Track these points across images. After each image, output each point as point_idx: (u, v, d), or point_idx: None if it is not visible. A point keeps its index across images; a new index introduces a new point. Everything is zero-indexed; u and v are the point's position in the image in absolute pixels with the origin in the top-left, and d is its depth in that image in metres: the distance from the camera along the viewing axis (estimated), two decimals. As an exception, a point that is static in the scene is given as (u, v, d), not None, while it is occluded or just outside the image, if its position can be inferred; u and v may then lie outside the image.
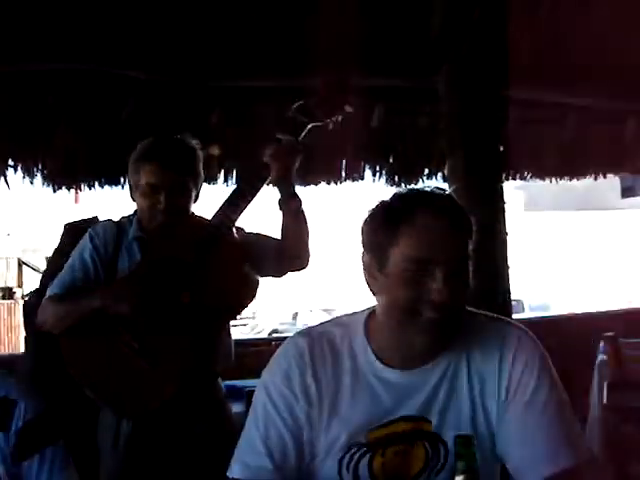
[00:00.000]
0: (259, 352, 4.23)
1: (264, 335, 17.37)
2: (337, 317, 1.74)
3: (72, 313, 2.42)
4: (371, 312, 1.66)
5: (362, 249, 1.61)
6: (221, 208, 2.41)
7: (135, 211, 2.59)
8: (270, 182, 2.44)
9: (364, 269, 1.61)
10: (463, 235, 1.53)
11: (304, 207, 2.50)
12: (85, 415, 2.46)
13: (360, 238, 1.61)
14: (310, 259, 2.55)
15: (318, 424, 1.59)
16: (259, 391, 1.66)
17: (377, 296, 1.61)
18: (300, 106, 2.41)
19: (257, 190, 2.41)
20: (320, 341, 1.64)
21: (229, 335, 2.58)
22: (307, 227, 2.52)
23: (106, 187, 4.44)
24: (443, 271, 1.48)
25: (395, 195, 1.59)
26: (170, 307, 2.37)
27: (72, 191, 4.46)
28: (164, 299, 2.37)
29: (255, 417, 1.63)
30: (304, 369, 1.61)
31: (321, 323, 1.74)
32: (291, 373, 1.61)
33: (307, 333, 1.69)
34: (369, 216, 1.59)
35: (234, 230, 2.48)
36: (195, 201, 2.58)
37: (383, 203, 1.58)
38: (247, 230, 2.58)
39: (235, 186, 2.49)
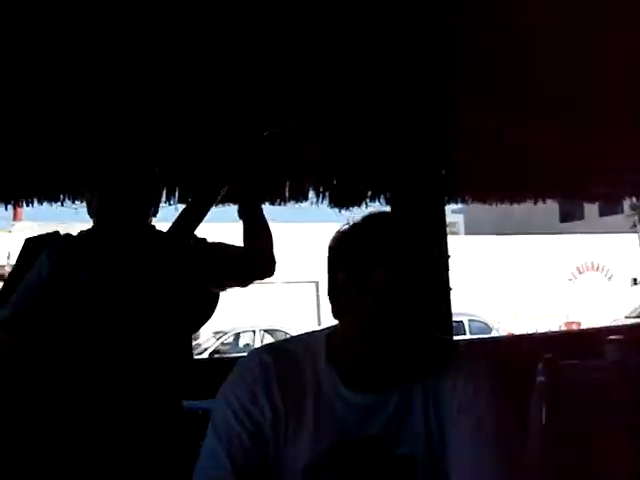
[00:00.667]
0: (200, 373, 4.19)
1: (205, 356, 17.25)
2: (295, 336, 1.74)
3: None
4: (332, 332, 1.65)
5: (333, 268, 1.60)
6: (176, 222, 2.40)
7: (93, 226, 2.55)
8: (229, 196, 2.44)
9: (335, 287, 1.59)
10: None
11: (266, 219, 2.53)
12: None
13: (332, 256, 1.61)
14: (275, 266, 2.54)
15: (283, 440, 1.57)
16: (221, 406, 1.60)
17: (344, 316, 1.60)
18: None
19: (212, 202, 2.39)
20: (284, 358, 1.62)
21: (190, 350, 2.56)
22: (271, 237, 2.51)
23: (45, 204, 4.36)
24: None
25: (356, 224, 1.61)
26: (130, 323, 2.33)
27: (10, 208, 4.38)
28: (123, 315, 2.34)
29: (216, 432, 1.58)
30: (271, 384, 1.58)
31: (281, 341, 1.74)
32: (256, 388, 1.58)
33: (271, 349, 1.66)
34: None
35: (192, 242, 2.45)
36: (154, 215, 2.55)
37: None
38: (204, 242, 2.55)
39: (190, 199, 2.47)
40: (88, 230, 2.55)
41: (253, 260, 2.51)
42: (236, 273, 2.54)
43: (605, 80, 5.32)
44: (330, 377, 1.60)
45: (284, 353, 1.64)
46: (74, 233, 2.56)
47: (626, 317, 17.84)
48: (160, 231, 2.50)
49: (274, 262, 2.54)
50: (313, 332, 1.69)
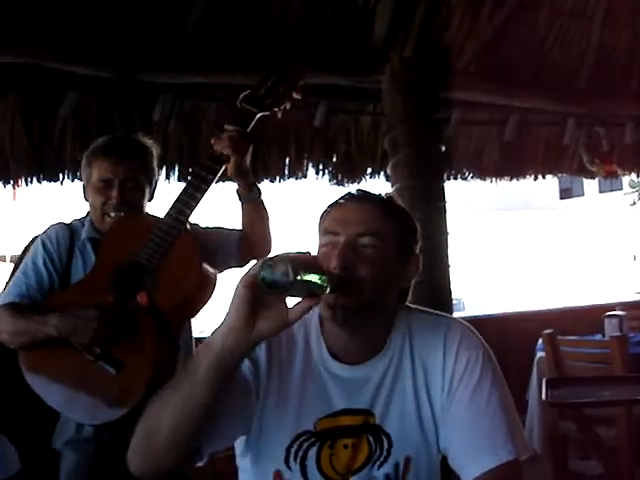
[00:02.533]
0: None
1: (206, 335, 17.24)
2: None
3: (27, 334, 2.33)
4: None
5: None
6: (174, 204, 2.37)
7: (87, 213, 2.55)
8: (226, 174, 2.42)
9: None
10: (384, 220, 1.57)
11: (262, 195, 2.50)
12: (42, 420, 2.40)
13: None
14: (272, 245, 2.54)
15: (267, 393, 1.58)
16: None
17: None
18: (247, 96, 2.40)
19: (209, 183, 2.38)
20: None
21: (190, 334, 2.55)
22: (267, 214, 2.52)
23: (44, 183, 4.35)
24: (344, 240, 1.53)
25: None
26: (129, 309, 2.31)
27: (9, 187, 4.37)
28: (121, 301, 2.32)
29: None
30: (259, 351, 1.59)
31: None
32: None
33: None
34: None
35: (189, 226, 2.45)
36: (150, 200, 2.55)
37: None
38: (202, 225, 2.55)
39: (187, 181, 2.45)
40: (81, 218, 2.55)
41: (250, 240, 2.51)
42: (233, 254, 2.54)
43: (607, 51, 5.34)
44: (319, 348, 1.62)
45: None
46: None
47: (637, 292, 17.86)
48: (155, 216, 2.48)
49: (270, 240, 2.54)
50: None
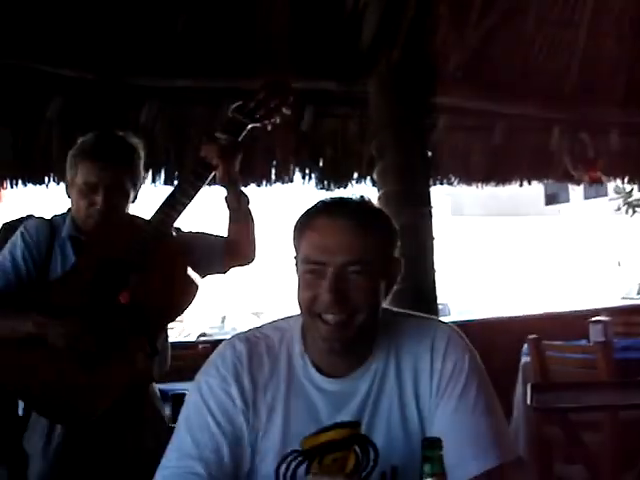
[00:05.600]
0: (185, 356, 4.19)
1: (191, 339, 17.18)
2: (274, 321, 1.71)
3: (3, 329, 2.31)
4: None
5: None
6: (161, 207, 2.35)
7: (69, 209, 2.51)
8: (216, 182, 2.41)
9: None
10: (365, 238, 1.52)
11: (251, 204, 2.48)
12: (13, 419, 2.39)
13: None
14: (255, 253, 2.54)
15: (257, 428, 1.56)
16: (193, 394, 1.61)
17: None
18: (239, 107, 2.39)
19: (197, 189, 2.36)
20: (259, 346, 1.62)
21: (167, 339, 2.53)
22: (254, 223, 2.51)
23: (29, 185, 4.34)
24: (333, 273, 1.49)
25: (317, 201, 1.60)
26: (108, 310, 2.29)
27: (-5, 190, 4.35)
28: (102, 301, 2.30)
29: (187, 421, 1.58)
30: (241, 373, 1.58)
31: (259, 327, 1.70)
32: (228, 377, 1.58)
33: (245, 337, 1.65)
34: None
35: (174, 231, 2.43)
36: (133, 201, 2.51)
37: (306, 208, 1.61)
38: (186, 230, 2.53)
39: (175, 186, 2.44)
40: (62, 214, 2.51)
41: (235, 248, 2.50)
42: (217, 260, 2.53)
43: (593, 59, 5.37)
44: (303, 363, 1.60)
45: (258, 340, 1.63)
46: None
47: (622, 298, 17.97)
48: (139, 217, 2.46)
49: (255, 249, 2.53)
50: (289, 317, 1.68)
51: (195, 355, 4.16)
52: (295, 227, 1.58)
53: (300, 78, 4.47)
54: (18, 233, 2.43)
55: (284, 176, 4.97)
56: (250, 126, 2.41)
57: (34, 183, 4.34)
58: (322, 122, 5.00)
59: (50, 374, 2.29)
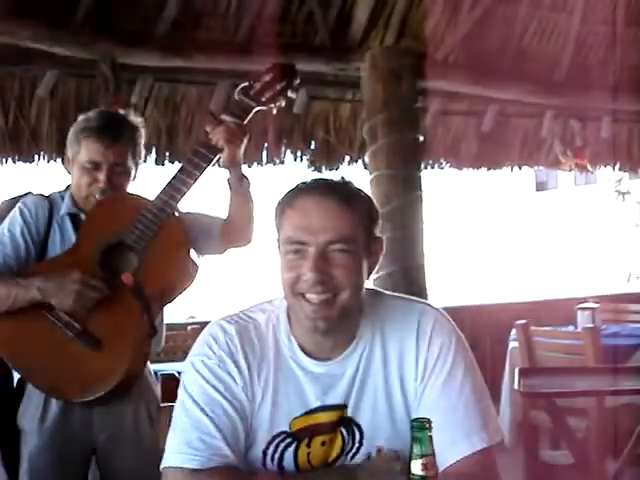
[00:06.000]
0: (176, 337, 4.20)
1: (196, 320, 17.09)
2: (260, 303, 1.69)
3: (7, 298, 2.26)
4: None
5: None
6: (164, 189, 2.33)
7: (67, 186, 2.48)
8: (219, 164, 2.39)
9: None
10: (346, 217, 1.51)
11: (252, 187, 2.47)
12: (7, 393, 2.38)
13: None
14: (253, 236, 2.53)
15: (252, 409, 1.56)
16: (192, 376, 1.58)
17: None
18: (245, 88, 2.38)
19: (201, 171, 2.35)
20: (247, 327, 1.61)
21: (162, 319, 2.51)
22: (253, 206, 2.49)
23: (19, 164, 4.32)
24: (315, 252, 1.49)
25: (298, 182, 1.59)
26: (111, 288, 2.27)
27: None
28: (105, 280, 2.27)
29: (195, 402, 1.55)
30: (235, 353, 1.57)
31: (244, 310, 1.68)
32: (224, 356, 1.57)
33: (233, 319, 1.64)
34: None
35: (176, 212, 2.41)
36: (132, 180, 2.49)
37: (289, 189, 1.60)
38: (185, 210, 2.48)
39: (179, 167, 2.42)
40: (61, 191, 2.49)
41: (234, 229, 2.48)
42: (216, 240, 2.51)
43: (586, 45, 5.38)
44: (290, 346, 1.59)
45: (247, 322, 1.63)
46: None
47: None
48: (140, 197, 2.42)
49: (252, 231, 2.52)
50: (274, 299, 1.67)
51: (185, 336, 4.17)
52: (276, 208, 1.58)
53: (293, 59, 4.47)
54: (17, 210, 2.41)
55: (275, 158, 4.97)
56: (257, 109, 2.39)
57: (24, 161, 4.31)
58: (314, 104, 4.99)
59: (53, 347, 2.28)
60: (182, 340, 4.14)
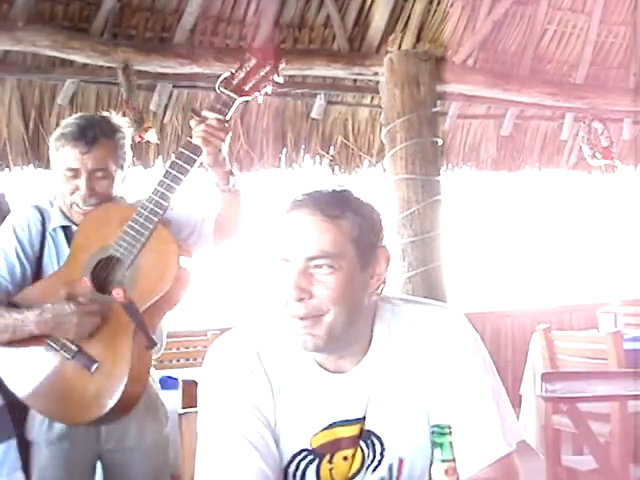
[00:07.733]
0: (196, 343, 4.20)
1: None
2: (272, 315, 1.59)
3: (5, 332, 2.21)
4: None
5: None
6: (150, 197, 2.26)
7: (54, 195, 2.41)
8: (203, 164, 2.29)
9: None
10: (329, 231, 1.43)
11: (240, 185, 2.39)
12: (15, 404, 2.36)
13: None
14: (242, 231, 2.47)
15: (274, 424, 1.51)
16: (217, 390, 1.54)
17: None
18: (227, 79, 2.25)
19: (186, 174, 2.25)
20: (266, 338, 1.56)
21: (162, 330, 2.44)
22: (243, 201, 2.41)
23: (40, 170, 4.36)
24: (295, 269, 1.43)
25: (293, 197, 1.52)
26: (104, 305, 2.22)
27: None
28: (100, 298, 2.22)
29: (223, 416, 1.50)
30: (257, 365, 1.53)
31: (258, 321, 1.62)
32: (247, 368, 1.52)
33: (252, 329, 1.59)
34: None
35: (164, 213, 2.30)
36: (122, 182, 2.41)
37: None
38: (176, 206, 2.37)
39: (164, 171, 2.33)
40: (51, 200, 2.40)
41: (225, 226, 2.41)
42: (208, 237, 2.43)
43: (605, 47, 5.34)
44: (308, 360, 1.54)
45: (265, 332, 1.58)
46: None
47: None
48: (131, 205, 2.37)
49: (242, 226, 2.45)
50: None
51: (205, 342, 4.16)
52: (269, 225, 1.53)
53: (311, 65, 4.49)
54: (9, 228, 2.34)
55: (294, 163, 4.97)
56: (240, 100, 2.27)
57: (44, 168, 4.34)
58: (333, 109, 5.00)
59: (50, 370, 2.25)
60: (202, 346, 4.14)
